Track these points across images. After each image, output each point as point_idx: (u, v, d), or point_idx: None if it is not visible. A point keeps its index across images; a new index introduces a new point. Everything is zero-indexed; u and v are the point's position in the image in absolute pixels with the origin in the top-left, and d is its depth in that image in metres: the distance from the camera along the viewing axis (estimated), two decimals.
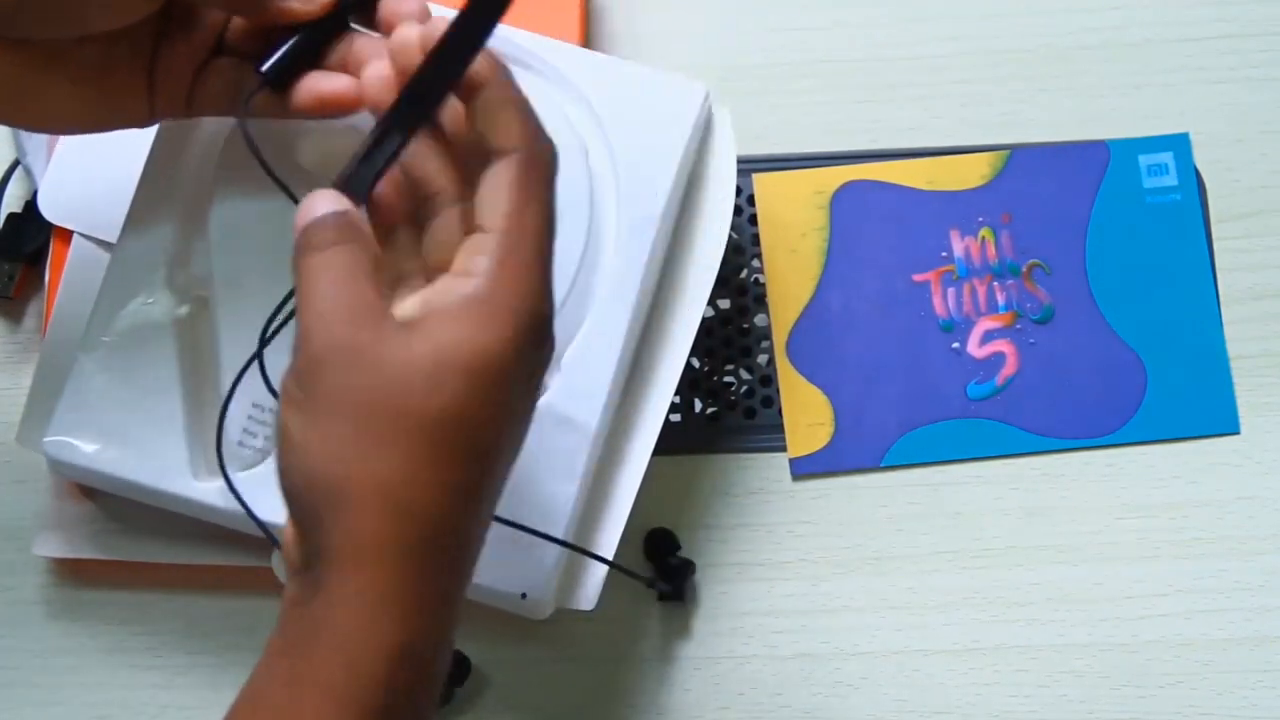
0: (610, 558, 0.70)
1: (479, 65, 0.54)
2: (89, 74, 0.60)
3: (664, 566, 0.75)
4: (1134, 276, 0.79)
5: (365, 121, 0.69)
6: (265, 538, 0.69)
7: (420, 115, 0.55)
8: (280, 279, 0.66)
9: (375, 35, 0.60)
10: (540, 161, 0.54)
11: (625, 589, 0.74)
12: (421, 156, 0.56)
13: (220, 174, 0.70)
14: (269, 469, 0.67)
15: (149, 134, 0.70)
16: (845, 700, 0.75)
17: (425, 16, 0.57)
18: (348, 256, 0.52)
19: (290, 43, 0.60)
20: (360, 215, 0.55)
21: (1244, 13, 0.82)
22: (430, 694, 0.53)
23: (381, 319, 0.52)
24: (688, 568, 0.75)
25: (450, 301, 0.52)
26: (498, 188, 0.53)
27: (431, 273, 0.55)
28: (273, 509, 0.67)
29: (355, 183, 0.55)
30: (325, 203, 0.54)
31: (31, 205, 0.76)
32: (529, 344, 0.52)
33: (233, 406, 0.68)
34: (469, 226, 0.54)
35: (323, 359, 0.51)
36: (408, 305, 0.54)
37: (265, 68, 0.60)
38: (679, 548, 0.76)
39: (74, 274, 0.73)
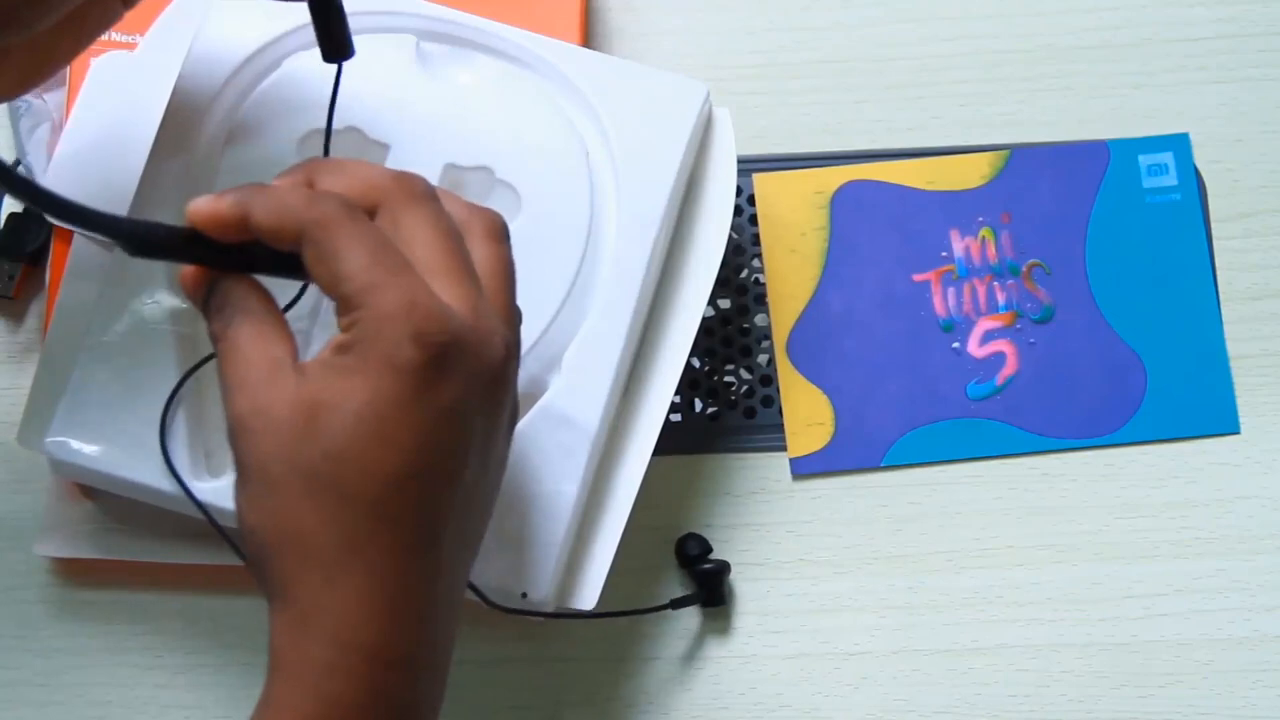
0: (610, 557, 0.70)
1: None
2: None
3: (699, 573, 0.75)
4: (1134, 276, 0.79)
5: (368, 123, 0.70)
6: None
7: None
8: (279, 279, 0.66)
9: None
10: (285, 207, 0.55)
11: (625, 589, 0.74)
12: None
13: (220, 174, 0.70)
14: None
15: (150, 134, 0.70)
16: (845, 700, 0.75)
17: None
18: (251, 329, 0.55)
19: None
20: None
21: (1244, 13, 0.82)
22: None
23: (278, 376, 0.54)
24: (724, 570, 0.75)
25: (324, 352, 0.54)
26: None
27: None
28: None
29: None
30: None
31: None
32: (415, 386, 0.53)
33: None
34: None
35: (232, 428, 0.55)
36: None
37: None
38: (711, 550, 0.76)
39: (75, 274, 0.73)
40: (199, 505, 0.67)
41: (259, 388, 0.54)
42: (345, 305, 0.54)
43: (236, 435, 0.55)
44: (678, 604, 0.74)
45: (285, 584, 0.54)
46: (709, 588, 0.75)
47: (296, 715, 0.53)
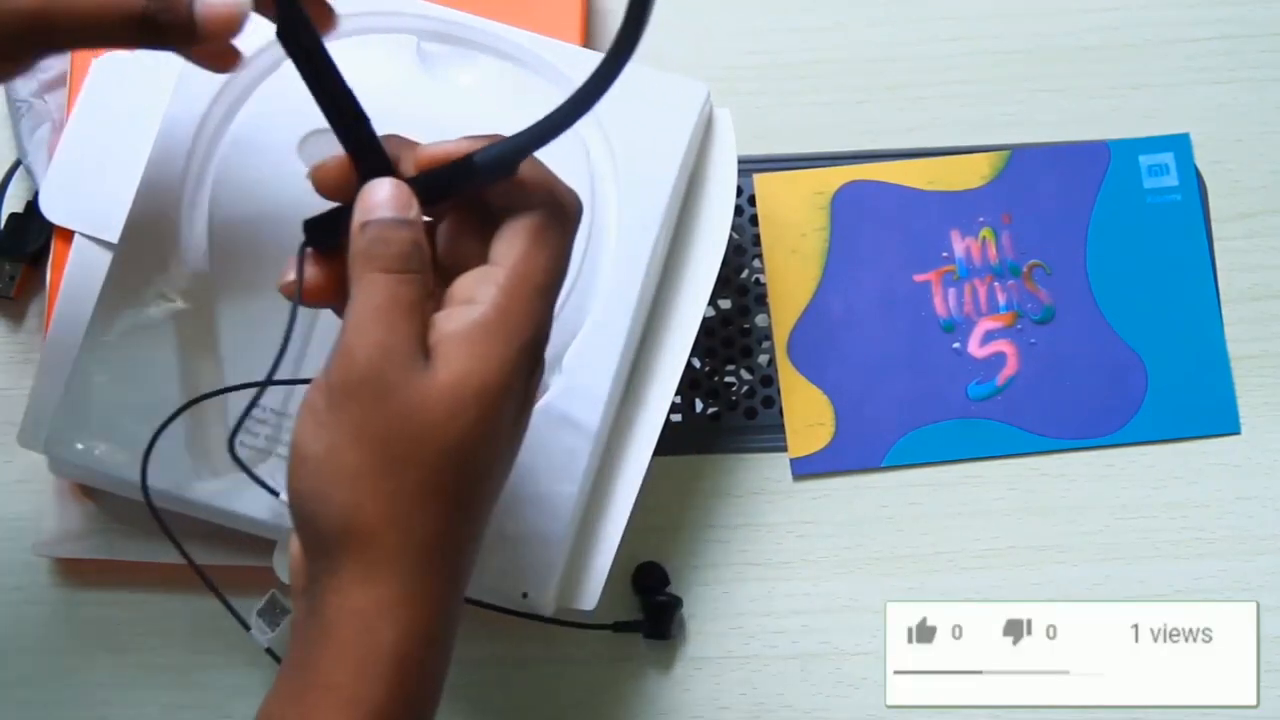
0: (611, 558, 0.70)
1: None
2: None
3: (650, 603, 0.75)
4: (1135, 277, 0.79)
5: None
6: (265, 538, 0.70)
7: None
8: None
9: None
10: (560, 215, 0.56)
11: (625, 589, 0.74)
12: (456, 225, 0.57)
13: (221, 175, 0.70)
14: (269, 469, 0.68)
15: (150, 134, 0.70)
16: (845, 700, 0.75)
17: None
18: (407, 291, 0.54)
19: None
20: (420, 224, 0.55)
21: (1244, 13, 0.82)
22: (430, 699, 0.55)
23: (415, 357, 0.53)
24: (674, 605, 0.75)
25: (458, 328, 0.54)
26: (514, 234, 0.55)
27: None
28: (269, 508, 0.68)
29: (423, 185, 0.56)
30: (389, 201, 0.55)
31: (33, 205, 0.76)
32: (525, 370, 0.55)
33: (233, 406, 0.68)
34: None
35: (354, 390, 0.53)
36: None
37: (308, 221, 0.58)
38: (668, 583, 0.75)
39: (75, 274, 0.73)
40: (163, 525, 0.67)
41: (392, 366, 0.53)
42: (502, 277, 0.54)
43: (344, 397, 0.53)
44: (620, 628, 0.74)
45: (350, 556, 0.53)
46: (655, 620, 0.74)
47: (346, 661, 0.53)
